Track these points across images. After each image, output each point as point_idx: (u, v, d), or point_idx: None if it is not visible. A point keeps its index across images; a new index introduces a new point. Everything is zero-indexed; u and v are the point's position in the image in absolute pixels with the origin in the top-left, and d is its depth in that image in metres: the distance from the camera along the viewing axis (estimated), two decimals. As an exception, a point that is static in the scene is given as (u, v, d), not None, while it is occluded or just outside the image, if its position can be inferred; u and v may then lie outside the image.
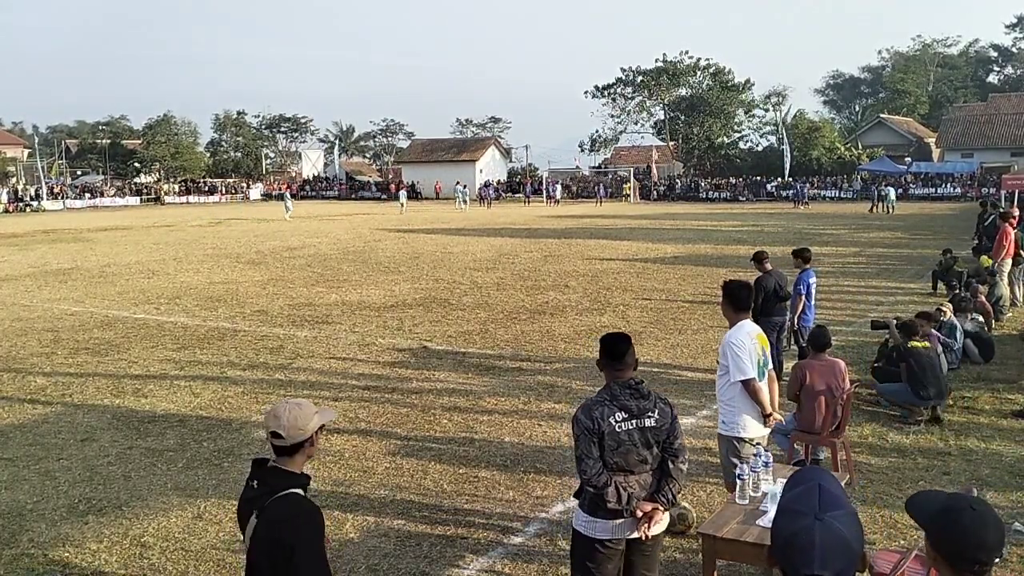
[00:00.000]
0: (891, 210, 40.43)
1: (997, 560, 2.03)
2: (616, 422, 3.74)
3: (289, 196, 48.88)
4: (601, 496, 3.75)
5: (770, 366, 5.48)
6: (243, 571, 3.15)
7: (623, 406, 3.77)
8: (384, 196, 69.04)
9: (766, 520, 4.35)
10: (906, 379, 8.13)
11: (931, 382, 8.00)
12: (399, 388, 9.49)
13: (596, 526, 3.84)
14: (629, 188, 60.55)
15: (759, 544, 4.22)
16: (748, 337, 5.24)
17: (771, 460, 4.95)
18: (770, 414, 5.29)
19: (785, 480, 4.82)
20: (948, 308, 10.21)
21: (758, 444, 5.30)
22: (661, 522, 3.88)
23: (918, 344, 8.27)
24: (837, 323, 12.40)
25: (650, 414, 3.79)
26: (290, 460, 3.00)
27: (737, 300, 5.30)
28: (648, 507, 3.78)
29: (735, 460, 5.12)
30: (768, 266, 9.35)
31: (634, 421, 3.77)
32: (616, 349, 3.87)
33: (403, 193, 54.53)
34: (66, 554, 5.57)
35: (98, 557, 5.52)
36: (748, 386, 5.17)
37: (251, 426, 8.18)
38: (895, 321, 9.57)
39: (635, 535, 3.81)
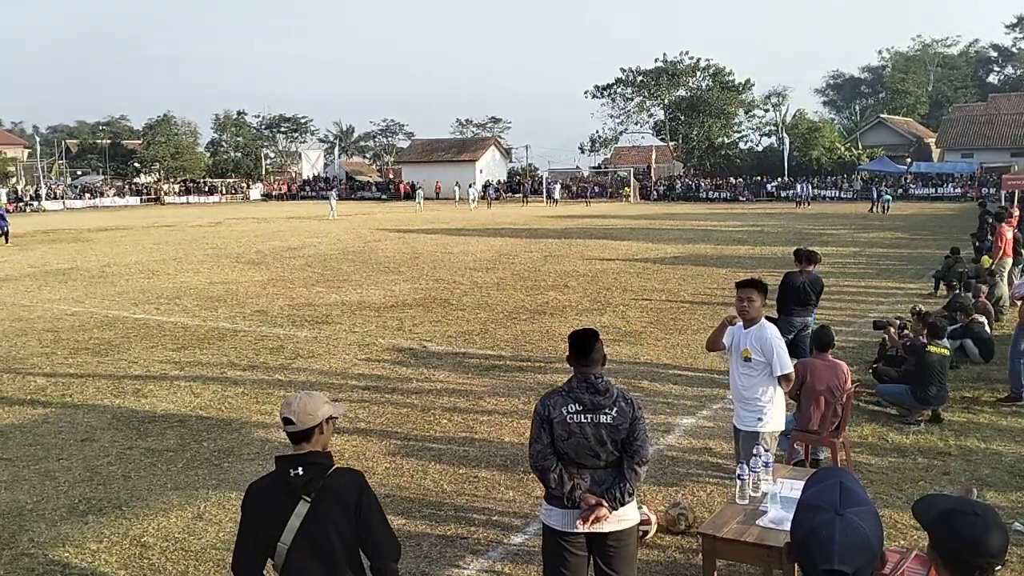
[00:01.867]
0: (886, 210, 40.55)
1: (999, 568, 2.03)
2: (568, 413, 3.82)
3: (335, 196, 48.20)
4: (545, 480, 3.87)
5: None
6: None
7: (577, 399, 3.84)
8: (384, 196, 69.15)
9: (766, 520, 4.36)
10: (911, 379, 8.11)
11: (935, 386, 7.99)
12: (399, 388, 9.49)
13: (552, 515, 3.92)
14: (629, 188, 60.58)
15: (759, 544, 4.23)
16: None
17: (771, 460, 4.98)
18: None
19: (785, 480, 4.84)
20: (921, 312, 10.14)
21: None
22: (611, 521, 3.82)
23: (936, 350, 8.22)
24: (837, 323, 12.37)
25: (606, 411, 3.81)
26: (308, 447, 3.07)
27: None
28: (592, 500, 3.80)
29: None
30: (808, 267, 9.23)
31: (589, 416, 3.81)
32: (582, 345, 3.92)
33: (420, 193, 55.55)
34: (66, 554, 5.57)
35: (98, 557, 5.52)
36: (789, 377, 5.48)
37: (251, 426, 8.18)
38: (899, 322, 9.56)
39: (587, 529, 3.83)
